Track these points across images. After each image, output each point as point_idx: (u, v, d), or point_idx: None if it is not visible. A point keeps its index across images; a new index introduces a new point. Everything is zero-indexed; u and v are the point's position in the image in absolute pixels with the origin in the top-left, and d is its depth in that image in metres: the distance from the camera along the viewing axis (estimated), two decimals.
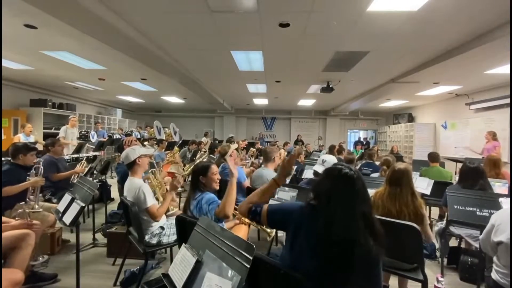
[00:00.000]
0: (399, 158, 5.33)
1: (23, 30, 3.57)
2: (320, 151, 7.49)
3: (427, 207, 3.59)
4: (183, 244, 1.16)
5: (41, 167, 2.62)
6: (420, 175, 3.58)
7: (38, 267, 2.33)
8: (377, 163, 4.24)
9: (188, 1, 2.86)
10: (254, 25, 3.41)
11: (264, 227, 1.97)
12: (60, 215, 1.85)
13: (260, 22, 3.32)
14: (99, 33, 3.39)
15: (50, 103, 7.60)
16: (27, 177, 2.50)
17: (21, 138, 5.18)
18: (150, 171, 2.64)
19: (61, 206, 1.89)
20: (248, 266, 0.83)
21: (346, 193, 1.05)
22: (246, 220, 2.02)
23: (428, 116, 9.57)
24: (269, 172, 2.90)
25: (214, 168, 1.92)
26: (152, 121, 9.83)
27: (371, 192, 1.73)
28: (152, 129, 9.45)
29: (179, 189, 2.26)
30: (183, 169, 4.60)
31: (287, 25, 3.36)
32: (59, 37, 3.78)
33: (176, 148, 5.79)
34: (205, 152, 5.46)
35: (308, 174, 3.26)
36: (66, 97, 8.62)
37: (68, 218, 1.75)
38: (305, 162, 3.91)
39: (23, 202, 2.42)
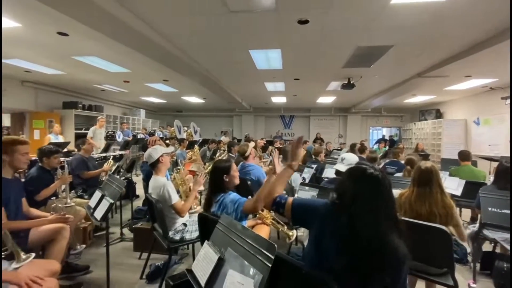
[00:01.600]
0: (425, 156, 5.07)
1: (56, 37, 3.83)
2: (340, 149, 7.31)
3: (458, 208, 3.39)
4: (206, 241, 1.18)
5: (66, 165, 2.79)
6: (450, 175, 3.39)
7: (73, 259, 2.50)
8: (403, 162, 4.07)
9: (208, 3, 2.91)
10: (273, 24, 3.40)
11: (285, 229, 1.96)
12: (92, 210, 1.97)
13: (279, 20, 3.30)
14: (124, 37, 3.54)
15: (81, 105, 8.09)
16: (55, 176, 2.68)
17: (51, 138, 5.54)
18: (174, 169, 2.73)
19: (92, 202, 2.01)
20: (270, 265, 0.84)
21: (371, 194, 1.02)
22: (268, 221, 2.03)
23: (458, 112, 9.00)
24: None
25: (234, 165, 1.97)
26: (173, 121, 10.13)
27: (395, 192, 1.67)
28: (172, 128, 9.76)
29: (202, 187, 2.32)
30: (204, 167, 4.69)
31: (306, 22, 3.31)
32: (89, 42, 4.01)
33: (196, 147, 5.93)
34: (224, 151, 5.54)
35: (328, 173, 3.20)
36: (94, 99, 9.13)
37: (98, 213, 1.86)
38: (325, 161, 3.83)
39: (54, 197, 2.61)
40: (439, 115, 9.89)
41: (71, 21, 2.98)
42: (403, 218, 1.51)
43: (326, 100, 9.78)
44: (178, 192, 2.48)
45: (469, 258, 2.59)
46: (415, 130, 10.94)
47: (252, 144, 3.52)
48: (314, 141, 10.50)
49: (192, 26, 3.55)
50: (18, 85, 6.77)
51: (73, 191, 3.24)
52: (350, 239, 0.99)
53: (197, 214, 2.18)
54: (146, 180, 2.88)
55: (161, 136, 8.39)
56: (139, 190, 4.68)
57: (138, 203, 4.20)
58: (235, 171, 1.94)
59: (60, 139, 5.62)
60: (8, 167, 1.90)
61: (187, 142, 6.59)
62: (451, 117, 9.26)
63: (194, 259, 2.62)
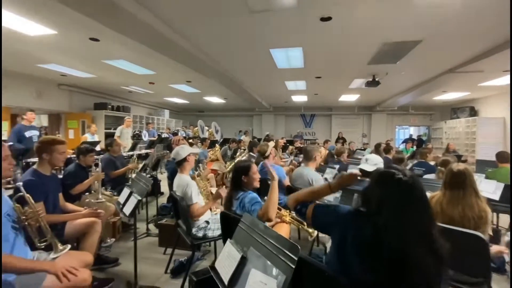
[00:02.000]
0: (459, 157, 4.75)
1: (88, 43, 4.08)
2: (364, 149, 7.07)
3: (495, 214, 3.15)
4: (228, 239, 1.20)
5: (100, 163, 2.98)
6: (486, 177, 3.15)
7: (103, 251, 2.66)
8: (432, 163, 3.85)
9: (229, 4, 2.95)
10: (294, 22, 3.37)
11: (305, 226, 1.94)
12: (121, 206, 2.08)
13: (300, 18, 3.26)
14: (149, 40, 3.69)
15: (110, 106, 8.56)
16: (90, 173, 2.86)
17: (88, 137, 5.94)
18: (196, 173, 2.80)
19: (121, 199, 2.12)
20: (294, 267, 0.83)
21: (400, 202, 0.94)
22: (287, 219, 2.01)
23: (495, 110, 8.33)
24: (309, 172, 2.84)
25: (255, 167, 1.98)
26: (195, 121, 10.39)
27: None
28: (196, 128, 10.01)
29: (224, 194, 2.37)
30: (225, 166, 4.77)
31: (329, 19, 3.24)
32: (117, 47, 4.23)
33: (217, 146, 6.03)
34: (244, 150, 5.58)
35: None
36: (122, 100, 9.61)
37: (127, 209, 1.96)
38: (349, 161, 3.71)
39: (87, 193, 2.79)
40: (473, 113, 9.22)
41: (101, 27, 3.17)
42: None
43: (349, 98, 9.51)
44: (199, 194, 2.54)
45: (507, 267, 2.39)
46: (446, 129, 10.30)
47: (272, 143, 3.52)
48: (336, 141, 10.24)
49: (213, 27, 3.61)
50: (55, 88, 7.31)
51: (103, 188, 3.44)
52: (373, 250, 0.93)
53: (219, 212, 2.22)
54: (171, 178, 2.98)
55: (184, 135, 8.64)
56: (164, 187, 4.85)
57: (162, 200, 4.36)
58: (254, 173, 1.94)
59: (96, 138, 6.00)
60: (47, 164, 2.05)
61: (209, 141, 6.73)
62: (486, 115, 8.60)
63: (216, 256, 2.67)
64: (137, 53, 4.55)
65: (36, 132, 4.51)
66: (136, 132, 7.85)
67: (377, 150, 4.76)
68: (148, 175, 3.85)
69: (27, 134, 4.30)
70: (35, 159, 2.92)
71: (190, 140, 6.64)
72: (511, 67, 3.85)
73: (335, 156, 4.27)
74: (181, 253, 2.60)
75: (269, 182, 2.71)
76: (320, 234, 2.72)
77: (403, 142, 9.71)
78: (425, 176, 3.30)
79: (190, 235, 2.19)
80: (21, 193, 1.60)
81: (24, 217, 1.58)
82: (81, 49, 4.47)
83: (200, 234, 2.22)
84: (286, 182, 2.99)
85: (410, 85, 7.24)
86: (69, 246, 1.70)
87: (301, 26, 3.50)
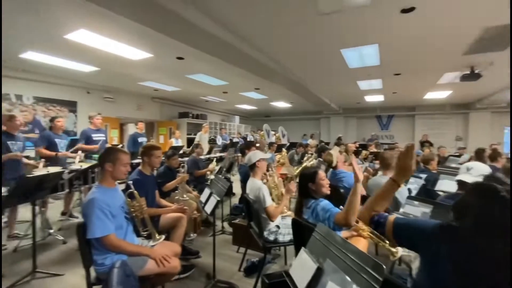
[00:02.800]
0: None
1: (176, 61, 4.75)
2: (459, 155, 5.93)
3: None
4: (303, 247, 1.20)
5: (186, 166, 3.39)
6: None
7: (187, 243, 3.01)
8: None
9: (297, 9, 2.95)
10: (368, 19, 3.14)
11: (388, 245, 1.73)
12: (202, 205, 2.33)
13: (376, 14, 3.02)
14: (224, 54, 4.04)
15: (191, 115, 9.72)
16: (177, 174, 3.30)
17: (173, 142, 6.89)
18: (268, 174, 2.90)
19: (203, 198, 2.38)
20: (378, 287, 0.78)
21: (503, 223, 0.81)
22: (365, 233, 1.86)
23: None
24: None
25: (322, 173, 1.90)
26: (262, 125, 10.74)
27: None
28: (262, 132, 10.34)
29: (293, 194, 2.38)
30: (293, 170, 4.76)
31: (412, 9, 2.89)
32: (198, 63, 4.79)
33: (284, 150, 6.09)
34: (311, 154, 5.45)
35: (443, 185, 2.65)
36: (200, 109, 10.77)
37: (208, 208, 2.19)
38: (439, 170, 3.16)
39: (177, 191, 3.22)
40: None
41: (186, 47, 3.64)
42: None
43: (437, 95, 8.20)
44: (270, 194, 2.61)
45: None
46: None
47: (335, 150, 3.31)
48: (422, 145, 8.89)
49: (283, 36, 3.69)
50: (150, 101, 8.75)
51: (191, 187, 3.91)
52: (475, 269, 0.82)
53: (290, 218, 2.24)
54: (244, 181, 3.16)
55: (252, 139, 9.05)
56: (235, 188, 5.17)
57: (234, 200, 4.66)
58: (322, 179, 1.86)
59: (180, 142, 6.95)
60: (147, 166, 2.48)
61: (276, 145, 6.84)
62: None
63: (286, 260, 2.69)
64: (213, 66, 5.04)
65: (145, 139, 5.54)
66: (212, 137, 8.65)
67: (479, 156, 3.90)
68: (223, 177, 4.19)
69: (140, 140, 5.37)
70: (137, 161, 3.55)
71: (258, 144, 6.89)
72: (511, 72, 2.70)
73: (422, 164, 3.70)
74: (253, 254, 2.72)
75: (342, 191, 2.58)
76: (403, 252, 2.41)
77: None
78: None
79: (262, 238, 2.28)
80: (131, 190, 1.98)
81: (132, 209, 1.94)
82: (170, 67, 5.24)
83: (272, 237, 2.28)
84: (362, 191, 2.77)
85: None
86: (163, 236, 2.00)
87: (377, 22, 3.23)
